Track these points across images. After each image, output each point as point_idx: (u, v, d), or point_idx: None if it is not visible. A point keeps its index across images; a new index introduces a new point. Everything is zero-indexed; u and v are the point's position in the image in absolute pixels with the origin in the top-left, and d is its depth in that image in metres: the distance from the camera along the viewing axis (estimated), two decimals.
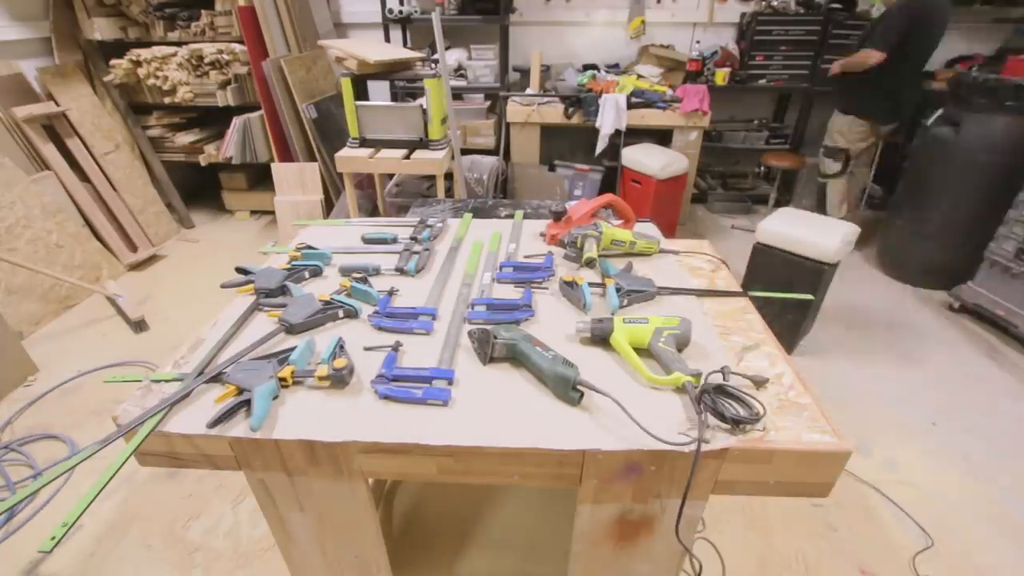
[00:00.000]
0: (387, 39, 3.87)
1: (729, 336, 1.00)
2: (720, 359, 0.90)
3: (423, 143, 2.69)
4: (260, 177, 4.02)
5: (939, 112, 2.93)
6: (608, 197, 1.35)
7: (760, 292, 1.14)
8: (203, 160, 3.66)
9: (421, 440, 0.76)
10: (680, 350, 0.91)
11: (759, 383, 0.86)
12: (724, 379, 0.84)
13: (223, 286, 1.15)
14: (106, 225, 3.26)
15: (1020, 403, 2.24)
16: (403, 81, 3.86)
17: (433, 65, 2.84)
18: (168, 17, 3.39)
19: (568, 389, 0.81)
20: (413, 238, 1.35)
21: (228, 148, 3.56)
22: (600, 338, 0.94)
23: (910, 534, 1.69)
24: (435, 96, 2.57)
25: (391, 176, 3.36)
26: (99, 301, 2.91)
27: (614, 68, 3.97)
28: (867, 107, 3.09)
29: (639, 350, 0.90)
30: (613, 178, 3.69)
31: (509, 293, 1.13)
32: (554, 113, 3.51)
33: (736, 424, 0.76)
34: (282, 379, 0.85)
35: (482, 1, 3.62)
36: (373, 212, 3.42)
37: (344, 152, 2.70)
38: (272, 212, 3.76)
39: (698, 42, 3.98)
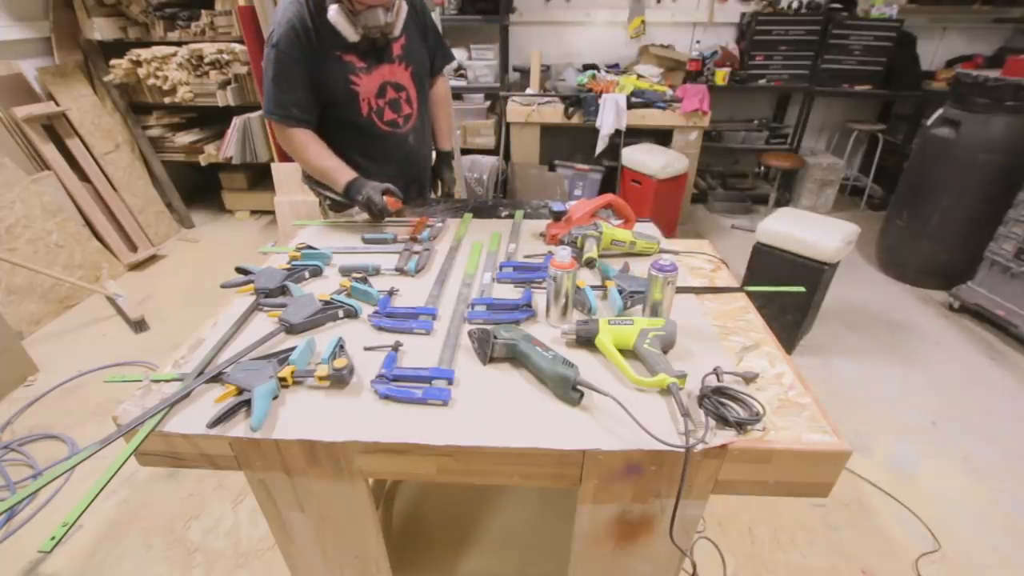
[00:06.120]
0: None
1: (729, 336, 1.00)
2: (713, 359, 0.90)
3: None
4: (260, 177, 4.02)
5: (939, 112, 2.93)
6: (608, 197, 1.35)
7: (754, 287, 1.16)
8: (203, 160, 3.66)
9: (421, 440, 0.76)
10: (665, 351, 0.91)
11: (749, 379, 0.86)
12: (719, 380, 0.84)
13: (223, 286, 1.15)
14: (106, 225, 3.26)
15: (1020, 403, 2.24)
16: None
17: None
18: (168, 17, 3.39)
19: (568, 389, 0.81)
20: (413, 238, 1.35)
21: (228, 148, 3.56)
22: (586, 340, 0.93)
23: (911, 535, 1.68)
24: None
25: None
26: (99, 301, 2.91)
27: (614, 68, 3.96)
28: None
29: (624, 351, 0.90)
30: (613, 178, 3.69)
31: (509, 293, 1.13)
32: (554, 113, 3.51)
33: (739, 426, 0.76)
34: (282, 379, 0.85)
35: (482, 1, 3.61)
36: None
37: None
38: (272, 212, 3.76)
39: (698, 42, 3.98)
